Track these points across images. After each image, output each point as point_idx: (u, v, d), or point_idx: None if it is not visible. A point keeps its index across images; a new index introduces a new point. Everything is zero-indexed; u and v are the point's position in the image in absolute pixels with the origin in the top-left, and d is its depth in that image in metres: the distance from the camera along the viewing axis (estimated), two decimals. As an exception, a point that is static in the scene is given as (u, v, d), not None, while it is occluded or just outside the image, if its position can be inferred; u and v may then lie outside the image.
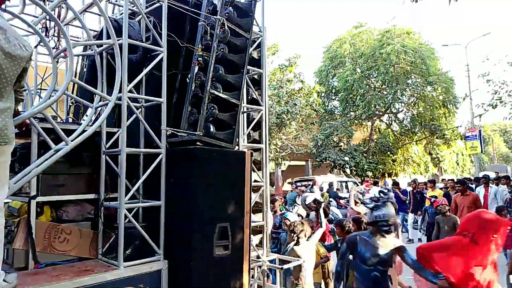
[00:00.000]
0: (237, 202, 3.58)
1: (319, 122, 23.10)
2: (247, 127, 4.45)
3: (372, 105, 22.70)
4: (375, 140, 24.38)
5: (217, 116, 3.57)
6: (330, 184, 16.13)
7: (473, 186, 11.23)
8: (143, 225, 3.35)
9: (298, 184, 17.46)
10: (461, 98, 21.22)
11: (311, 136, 22.29)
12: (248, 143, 4.56)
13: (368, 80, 23.78)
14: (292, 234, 4.72)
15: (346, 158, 22.63)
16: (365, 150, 23.81)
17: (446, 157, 26.35)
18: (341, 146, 23.89)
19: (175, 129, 3.44)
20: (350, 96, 23.76)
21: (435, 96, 22.95)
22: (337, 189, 15.73)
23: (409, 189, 12.96)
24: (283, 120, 20.42)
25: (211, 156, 3.42)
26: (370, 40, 23.44)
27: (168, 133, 3.44)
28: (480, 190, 10.06)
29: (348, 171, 23.31)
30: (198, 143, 3.46)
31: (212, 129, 3.50)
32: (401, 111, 24.97)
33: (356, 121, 24.31)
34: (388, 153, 24.05)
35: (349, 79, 22.63)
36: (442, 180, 15.51)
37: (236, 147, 4.03)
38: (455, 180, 11.05)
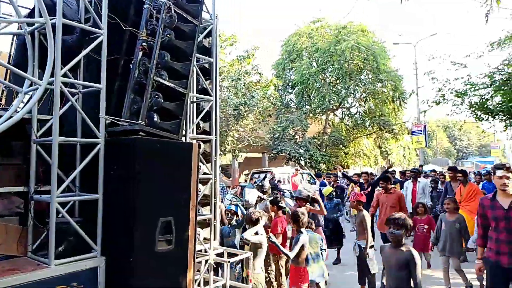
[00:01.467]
0: (182, 196, 3.39)
1: (276, 115, 23.17)
2: (196, 118, 4.25)
3: (327, 99, 23.04)
4: (329, 134, 24.83)
5: (162, 105, 3.33)
6: (272, 176, 16.27)
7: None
8: (79, 220, 3.08)
9: (256, 176, 17.41)
10: (408, 95, 22.00)
11: (267, 129, 22.31)
12: (197, 134, 4.35)
13: (323, 75, 24.10)
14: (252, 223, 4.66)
15: (301, 151, 22.87)
16: (319, 143, 24.19)
17: (394, 151, 27.37)
18: (296, 138, 24.11)
19: (115, 118, 3.18)
20: (306, 90, 24.00)
21: (385, 93, 23.68)
22: (279, 181, 15.86)
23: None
24: (240, 112, 20.23)
25: (154, 147, 3.19)
26: (327, 35, 23.73)
27: (107, 121, 3.17)
28: (408, 185, 9.72)
29: (302, 163, 23.58)
30: (141, 133, 3.22)
31: (156, 118, 3.27)
32: (354, 106, 25.59)
33: (311, 115, 24.62)
34: (341, 146, 24.59)
35: (305, 73, 22.84)
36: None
37: (183, 138, 3.83)
38: (369, 173, 10.93)
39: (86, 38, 3.28)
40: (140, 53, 3.35)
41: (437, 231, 5.96)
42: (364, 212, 5.87)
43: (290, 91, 25.42)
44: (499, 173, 3.66)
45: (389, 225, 3.52)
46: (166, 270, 3.22)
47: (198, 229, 4.33)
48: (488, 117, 11.93)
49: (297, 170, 16.44)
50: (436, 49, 24.09)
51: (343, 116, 26.13)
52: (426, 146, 22.32)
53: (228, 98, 19.57)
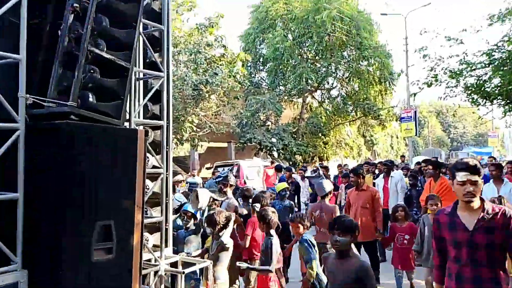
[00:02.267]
0: (125, 194, 3.28)
1: (244, 96, 23.06)
2: (144, 99, 4.12)
3: (304, 79, 23.09)
4: (306, 120, 25.02)
5: (99, 83, 3.19)
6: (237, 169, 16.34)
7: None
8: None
9: (220, 169, 17.37)
10: (397, 74, 22.39)
11: (234, 113, 22.19)
12: (145, 118, 4.23)
13: (300, 50, 24.20)
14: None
15: (274, 140, 22.91)
16: (294, 130, 24.33)
17: (380, 140, 28.02)
18: (268, 125, 24.16)
19: (39, 98, 3.01)
20: (280, 67, 24.02)
21: (371, 72, 24.04)
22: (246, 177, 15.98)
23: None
24: (200, 92, 19.98)
25: (88, 133, 3.05)
26: (305, 2, 23.70)
27: (28, 102, 3.00)
28: (379, 182, 9.21)
29: (275, 154, 23.66)
30: (71, 116, 3.08)
31: (91, 98, 3.13)
32: (335, 87, 25.91)
33: (286, 97, 24.72)
34: (320, 134, 24.86)
35: (279, 47, 22.79)
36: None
37: (127, 124, 3.70)
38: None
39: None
40: (71, 17, 3.18)
41: (420, 235, 5.66)
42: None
43: (261, 68, 25.39)
44: (461, 176, 2.92)
45: (332, 230, 3.35)
46: (105, 285, 3.12)
47: (146, 234, 4.24)
48: (485, 102, 12.23)
49: (272, 162, 16.51)
50: (429, 22, 24.66)
51: (323, 99, 26.41)
52: (416, 135, 22.94)
53: (186, 76, 19.30)
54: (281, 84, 24.48)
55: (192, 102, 20.24)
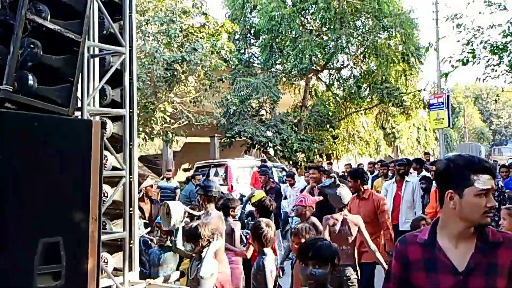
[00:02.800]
0: (75, 203, 3.26)
1: (231, 78, 22.92)
2: (100, 81, 4.09)
3: (307, 56, 22.97)
4: (310, 108, 24.96)
5: (42, 61, 3.16)
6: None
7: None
8: None
9: (202, 171, 17.32)
10: (424, 49, 22.31)
11: (218, 100, 22.04)
12: (102, 106, 4.20)
13: (302, 19, 24.12)
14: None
15: (269, 133, 22.80)
16: (295, 121, 24.26)
17: (404, 133, 27.99)
18: (262, 115, 24.09)
19: (-36, 80, 2.98)
20: (276, 41, 23.91)
21: (392, 47, 23.99)
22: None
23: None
24: (175, 73, 19.80)
25: (29, 125, 3.02)
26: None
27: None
28: (390, 188, 8.67)
29: (271, 151, 23.57)
30: (7, 104, 3.05)
31: (31, 81, 3.10)
32: (347, 66, 25.85)
33: (285, 79, 24.64)
34: (327, 126, 24.78)
35: (275, 15, 22.70)
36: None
37: (78, 113, 3.68)
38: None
39: None
40: (5, -24, 3.15)
41: None
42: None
43: (252, 42, 25.28)
44: (484, 181, 2.20)
45: (305, 259, 3.14)
46: (51, 320, 3.11)
47: (105, 254, 4.23)
48: None
49: (263, 161, 16.49)
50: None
51: (331, 82, 26.39)
52: (449, 126, 22.96)
53: (156, 52, 19.05)
54: (278, 62, 24.44)
55: (165, 85, 20.00)
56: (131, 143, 4.32)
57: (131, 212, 4.33)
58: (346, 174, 10.34)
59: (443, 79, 21.22)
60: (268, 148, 23.32)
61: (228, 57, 20.97)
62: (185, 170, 23.03)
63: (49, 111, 3.21)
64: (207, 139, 25.12)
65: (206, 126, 21.38)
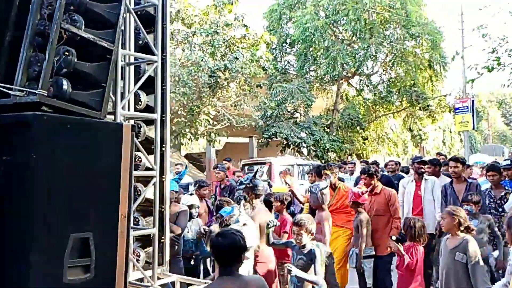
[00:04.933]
0: (106, 201, 3.16)
1: (268, 84, 22.81)
2: (134, 87, 3.99)
3: (339, 64, 22.73)
4: (341, 111, 24.64)
5: (76, 67, 3.08)
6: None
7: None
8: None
9: (248, 168, 17.31)
10: (450, 57, 21.76)
11: (257, 104, 21.98)
12: (136, 111, 4.10)
13: (334, 29, 23.82)
14: None
15: (303, 134, 22.58)
16: (327, 123, 23.98)
17: (429, 135, 27.33)
18: (296, 117, 23.89)
19: (4, 85, 2.91)
20: (310, 50, 23.68)
21: (419, 54, 23.46)
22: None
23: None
24: (218, 79, 19.86)
25: (61, 128, 2.93)
26: (340, -25, 23.38)
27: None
28: (407, 186, 8.02)
29: (305, 151, 23.36)
30: (44, 107, 2.98)
31: (65, 86, 3.02)
32: (376, 72, 25.39)
33: (317, 85, 24.40)
34: (358, 128, 24.43)
35: (309, 27, 22.46)
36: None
37: (111, 117, 3.59)
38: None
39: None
40: (44, -11, 3.08)
41: (435, 261, 5.17)
42: (362, 215, 6.34)
43: (288, 51, 25.09)
44: None
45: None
46: (81, 310, 3.01)
47: (137, 249, 4.14)
48: None
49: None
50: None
51: (361, 87, 25.97)
52: (474, 129, 22.27)
53: (202, 61, 19.15)
54: (311, 69, 24.17)
55: (209, 91, 20.11)
56: (163, 145, 4.21)
57: (162, 210, 4.22)
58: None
59: (468, 85, 20.64)
60: (302, 148, 23.08)
61: (266, 65, 20.85)
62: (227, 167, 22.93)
63: (82, 114, 3.12)
64: (246, 139, 25.02)
65: (245, 128, 21.31)
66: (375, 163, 10.24)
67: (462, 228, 4.58)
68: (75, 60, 3.07)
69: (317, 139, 22.61)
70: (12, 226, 2.88)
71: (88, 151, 3.08)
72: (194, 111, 20.17)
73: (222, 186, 9.40)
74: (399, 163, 10.87)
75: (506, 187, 7.11)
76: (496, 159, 18.76)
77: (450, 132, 29.61)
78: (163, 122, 4.20)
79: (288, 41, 24.57)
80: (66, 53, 3.04)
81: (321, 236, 6.00)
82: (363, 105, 25.55)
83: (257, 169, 12.75)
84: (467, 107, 20.35)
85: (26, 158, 2.86)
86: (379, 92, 25.11)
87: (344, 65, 23.15)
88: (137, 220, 4.12)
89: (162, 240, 4.20)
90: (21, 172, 2.88)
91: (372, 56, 24.11)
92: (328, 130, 23.67)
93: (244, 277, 3.35)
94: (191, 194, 7.40)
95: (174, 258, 5.41)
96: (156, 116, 3.89)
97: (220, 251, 3.15)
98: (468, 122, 20.32)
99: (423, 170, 7.94)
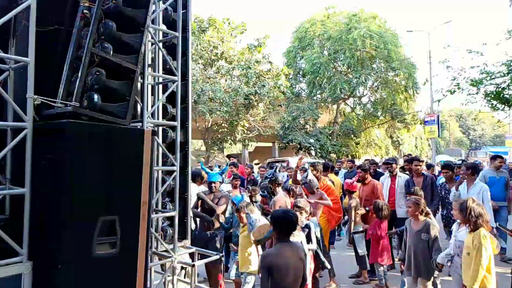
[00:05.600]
0: (129, 190, 2.81)
1: (286, 104, 22.44)
2: (164, 101, 3.64)
3: (338, 89, 22.14)
4: (340, 123, 23.98)
5: (105, 84, 2.74)
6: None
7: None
8: (3, 218, 2.54)
9: (271, 164, 16.86)
10: (422, 84, 20.97)
11: (278, 118, 21.66)
12: (167, 120, 3.74)
13: (334, 63, 23.17)
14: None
15: (312, 140, 22.15)
16: (330, 132, 23.38)
17: (405, 141, 26.31)
18: (307, 128, 23.38)
19: (46, 98, 2.60)
20: (317, 78, 23.12)
21: (398, 81, 22.61)
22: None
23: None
24: (251, 101, 19.66)
25: (91, 132, 2.61)
26: (339, 23, 22.77)
27: (36, 102, 2.59)
28: (384, 181, 7.19)
29: (313, 153, 22.94)
30: (83, 117, 2.65)
31: (96, 99, 2.68)
32: (365, 95, 24.60)
33: (322, 104, 23.80)
34: (352, 136, 23.74)
35: (316, 62, 21.92)
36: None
37: (141, 124, 3.24)
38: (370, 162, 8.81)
39: (15, 4, 2.70)
40: (81, 23, 2.75)
41: (403, 243, 4.65)
42: (353, 200, 6.11)
43: (301, 80, 24.57)
44: None
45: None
46: (107, 278, 2.66)
47: (165, 226, 3.77)
48: (504, 107, 11.16)
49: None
50: (451, 37, 22.89)
51: (355, 106, 25.16)
52: (438, 136, 21.23)
53: (239, 88, 19.02)
54: (318, 93, 23.56)
55: (244, 109, 20.01)
56: (186, 146, 3.83)
57: (185, 196, 3.83)
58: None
59: (435, 103, 19.86)
60: (311, 150, 22.65)
61: (285, 90, 20.58)
62: (256, 164, 22.61)
63: (110, 122, 2.77)
64: (269, 144, 24.68)
65: (269, 135, 21.18)
66: (374, 162, 9.42)
67: (423, 214, 4.35)
68: (104, 78, 2.73)
69: (322, 144, 22.12)
70: (50, 210, 2.56)
71: (114, 150, 2.74)
72: (233, 124, 20.09)
73: (248, 179, 9.04)
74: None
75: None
76: (455, 159, 17.84)
77: (421, 138, 28.46)
78: (186, 129, 3.83)
79: (301, 72, 24.06)
80: (97, 73, 2.70)
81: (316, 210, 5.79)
82: (356, 119, 24.77)
83: (277, 166, 12.28)
84: (434, 120, 19.40)
85: (62, 156, 2.54)
86: (368, 110, 24.30)
87: (342, 89, 22.47)
88: (165, 204, 3.75)
89: (185, 220, 3.81)
90: (58, 167, 2.56)
91: (362, 83, 23.33)
92: (330, 137, 23.04)
93: (294, 243, 3.24)
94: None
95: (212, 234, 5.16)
96: (177, 123, 3.51)
97: (280, 224, 3.10)
98: (434, 131, 19.36)
99: (391, 169, 7.18)
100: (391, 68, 22.11)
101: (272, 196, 6.19)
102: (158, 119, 3.61)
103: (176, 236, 3.54)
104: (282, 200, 5.66)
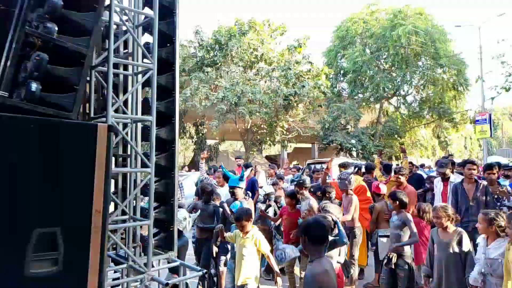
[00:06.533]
0: (76, 198, 2.28)
1: (327, 104, 21.46)
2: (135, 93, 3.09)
3: (381, 87, 20.90)
4: (383, 123, 22.56)
5: (48, 71, 2.24)
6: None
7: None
8: None
9: (312, 167, 16.08)
10: (473, 80, 19.11)
11: (318, 119, 20.81)
12: (144, 115, 3.20)
13: (377, 62, 21.85)
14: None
15: (353, 141, 21.07)
16: (372, 133, 22.10)
17: (454, 141, 24.22)
18: (348, 128, 22.29)
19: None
20: (359, 77, 21.97)
21: (445, 79, 20.80)
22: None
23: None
24: (290, 102, 19.10)
25: (22, 128, 2.11)
26: (382, 20, 21.42)
27: (-37, 93, 2.15)
28: (438, 185, 6.28)
29: (354, 154, 21.82)
30: (17, 109, 2.17)
31: (34, 89, 2.18)
32: (410, 93, 22.98)
33: (364, 104, 22.54)
34: (396, 136, 22.23)
35: (358, 60, 20.78)
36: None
37: (103, 119, 2.72)
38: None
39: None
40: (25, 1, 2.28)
41: (429, 255, 3.79)
42: (378, 203, 5.48)
43: (341, 79, 23.44)
44: None
45: None
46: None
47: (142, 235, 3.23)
48: None
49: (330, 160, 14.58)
50: (505, 31, 20.65)
51: (399, 105, 23.55)
52: (491, 136, 19.21)
53: (278, 89, 18.53)
54: (359, 92, 22.32)
55: (283, 110, 19.57)
56: (173, 145, 3.26)
57: (172, 202, 3.27)
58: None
59: (487, 101, 17.99)
60: (352, 151, 21.52)
61: (325, 90, 19.74)
62: (294, 165, 21.87)
63: (52, 115, 2.27)
64: (309, 145, 23.78)
65: (309, 136, 20.46)
66: (411, 163, 8.53)
67: (453, 222, 3.61)
68: (46, 64, 2.23)
69: (364, 145, 20.89)
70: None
71: (55, 149, 2.21)
72: (273, 125, 19.71)
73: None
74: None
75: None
76: (508, 160, 15.88)
77: (471, 138, 26.09)
78: (172, 125, 3.27)
79: (341, 72, 22.94)
80: (37, 58, 2.21)
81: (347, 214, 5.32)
82: (400, 118, 23.18)
83: (304, 168, 11.58)
84: (486, 119, 17.52)
85: (-12, 156, 2.06)
86: (413, 109, 22.61)
87: (385, 88, 21.14)
88: (146, 211, 3.21)
89: (171, 228, 3.25)
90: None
91: (407, 81, 21.77)
92: (373, 138, 21.72)
93: (327, 257, 2.74)
94: None
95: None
96: (151, 119, 2.95)
97: (319, 238, 2.56)
98: (486, 131, 17.46)
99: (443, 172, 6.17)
100: (439, 65, 20.41)
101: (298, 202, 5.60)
102: (136, 114, 3.08)
103: (150, 249, 2.97)
104: (316, 204, 5.14)
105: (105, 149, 2.36)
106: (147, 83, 3.09)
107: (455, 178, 6.25)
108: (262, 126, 20.64)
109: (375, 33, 20.85)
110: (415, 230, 4.15)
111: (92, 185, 2.31)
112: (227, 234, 3.99)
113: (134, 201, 3.10)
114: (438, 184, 6.22)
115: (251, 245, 3.66)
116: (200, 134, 21.93)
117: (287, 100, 19.13)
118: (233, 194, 4.93)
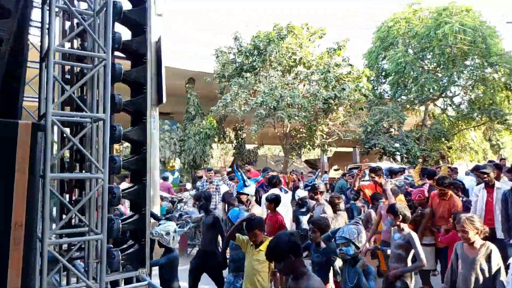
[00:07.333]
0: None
1: (368, 107, 20.21)
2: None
3: (426, 89, 19.29)
4: (429, 126, 20.82)
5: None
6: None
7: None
8: None
9: (354, 172, 15.19)
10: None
11: (359, 122, 19.73)
12: (113, 112, 2.75)
13: (421, 62, 20.22)
14: None
15: (397, 145, 19.69)
16: (417, 136, 20.49)
17: (507, 144, 21.76)
18: (391, 132, 20.87)
19: None
20: (402, 79, 20.45)
21: (497, 78, 18.72)
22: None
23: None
24: (330, 105, 18.28)
25: None
26: (426, 19, 19.83)
27: None
28: (479, 194, 5.31)
29: (398, 158, 20.36)
30: None
31: None
32: (458, 94, 20.96)
33: (408, 106, 20.94)
34: (443, 139, 20.41)
35: (401, 61, 19.30)
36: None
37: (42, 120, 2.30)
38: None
39: None
40: None
41: (451, 272, 3.08)
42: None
43: (383, 81, 22.01)
44: None
45: None
46: None
47: (113, 249, 2.77)
48: None
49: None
50: None
51: (446, 107, 21.62)
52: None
53: (317, 92, 17.79)
54: (403, 94, 20.79)
55: (322, 114, 18.79)
56: (144, 147, 2.78)
57: (143, 211, 2.78)
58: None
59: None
60: (396, 155, 20.14)
61: (366, 93, 18.66)
62: (335, 170, 20.81)
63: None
64: (350, 149, 22.57)
65: (350, 140, 19.43)
66: (454, 169, 8.13)
67: (481, 235, 2.96)
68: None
69: (409, 149, 19.40)
70: None
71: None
72: (312, 129, 19.00)
73: (294, 186, 7.89)
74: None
75: None
76: None
77: (527, 142, 23.44)
78: (144, 125, 2.79)
79: (383, 74, 21.50)
80: None
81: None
82: (447, 121, 21.26)
83: (317, 173, 11.03)
84: (544, 120, 15.48)
85: None
86: (461, 110, 20.60)
87: (430, 90, 19.49)
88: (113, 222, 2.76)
89: (142, 242, 2.77)
90: None
91: (454, 82, 19.91)
92: (418, 141, 20.12)
93: None
94: None
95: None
96: (104, 116, 2.47)
97: None
98: (545, 133, 15.42)
99: (486, 179, 5.21)
100: (489, 64, 18.41)
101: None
102: (97, 112, 2.64)
103: (103, 268, 2.49)
104: (330, 211, 4.81)
105: (28, 151, 1.92)
106: (119, 78, 2.64)
107: (502, 184, 5.31)
108: (301, 130, 19.97)
109: (418, 33, 19.30)
110: (421, 253, 3.38)
111: (11, 193, 1.88)
112: (240, 237, 3.37)
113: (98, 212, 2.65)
114: (479, 193, 5.27)
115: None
116: (240, 139, 21.67)
117: (326, 104, 18.36)
118: (239, 200, 4.51)
